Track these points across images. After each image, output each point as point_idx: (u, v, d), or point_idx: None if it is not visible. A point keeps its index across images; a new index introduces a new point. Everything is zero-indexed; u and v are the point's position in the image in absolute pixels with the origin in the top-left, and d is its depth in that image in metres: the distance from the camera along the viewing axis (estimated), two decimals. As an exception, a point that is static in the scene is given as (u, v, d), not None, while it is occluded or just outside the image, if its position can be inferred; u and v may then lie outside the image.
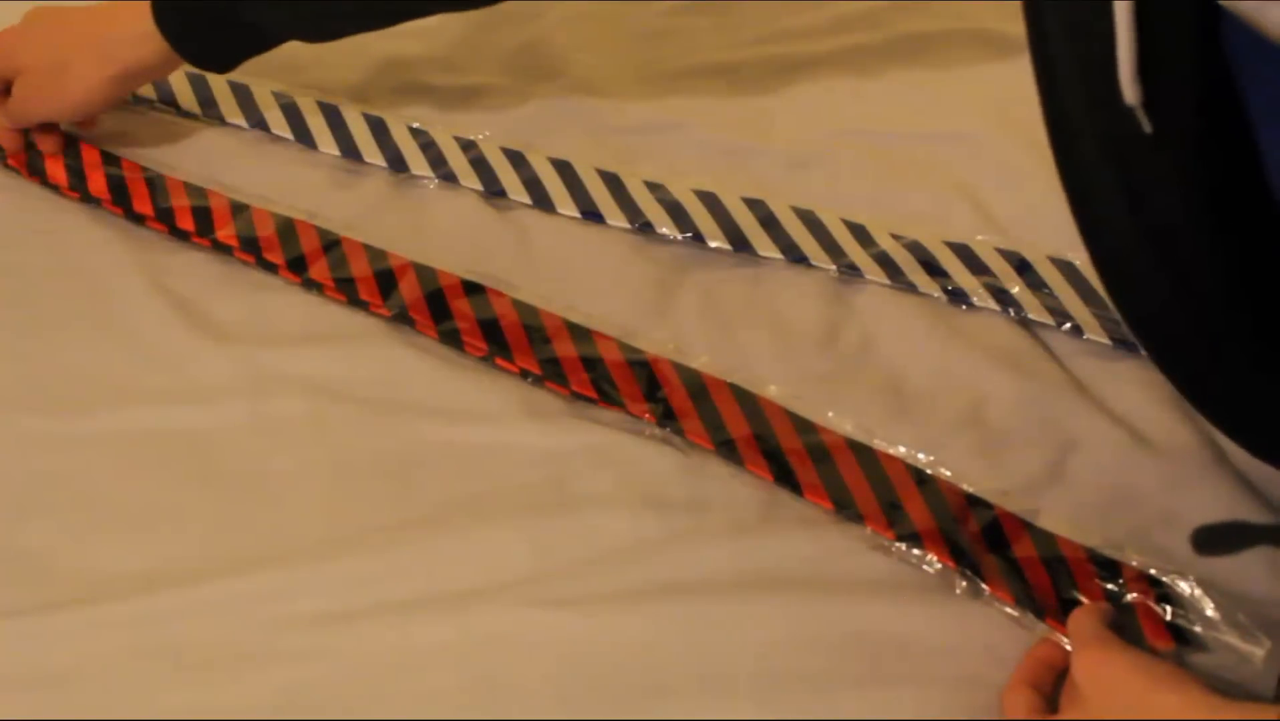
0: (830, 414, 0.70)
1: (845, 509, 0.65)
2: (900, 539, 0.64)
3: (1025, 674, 0.58)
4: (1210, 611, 0.61)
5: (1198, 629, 0.60)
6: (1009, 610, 0.61)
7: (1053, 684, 0.58)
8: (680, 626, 0.61)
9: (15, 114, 0.85)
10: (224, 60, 0.84)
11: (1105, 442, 0.68)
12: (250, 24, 0.82)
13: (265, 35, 0.83)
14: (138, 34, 0.81)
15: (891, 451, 0.68)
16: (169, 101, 0.93)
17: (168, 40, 0.81)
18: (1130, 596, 0.61)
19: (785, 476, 0.67)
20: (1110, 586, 0.62)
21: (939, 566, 0.63)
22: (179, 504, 0.67)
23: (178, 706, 0.59)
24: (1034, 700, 0.57)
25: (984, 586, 0.62)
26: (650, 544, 0.64)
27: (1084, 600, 0.61)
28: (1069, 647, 0.59)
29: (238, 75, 0.94)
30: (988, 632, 0.61)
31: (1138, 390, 0.71)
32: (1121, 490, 0.66)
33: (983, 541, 0.63)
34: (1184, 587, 0.62)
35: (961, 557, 0.63)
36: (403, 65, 0.97)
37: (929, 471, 0.67)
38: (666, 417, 0.70)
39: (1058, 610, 0.61)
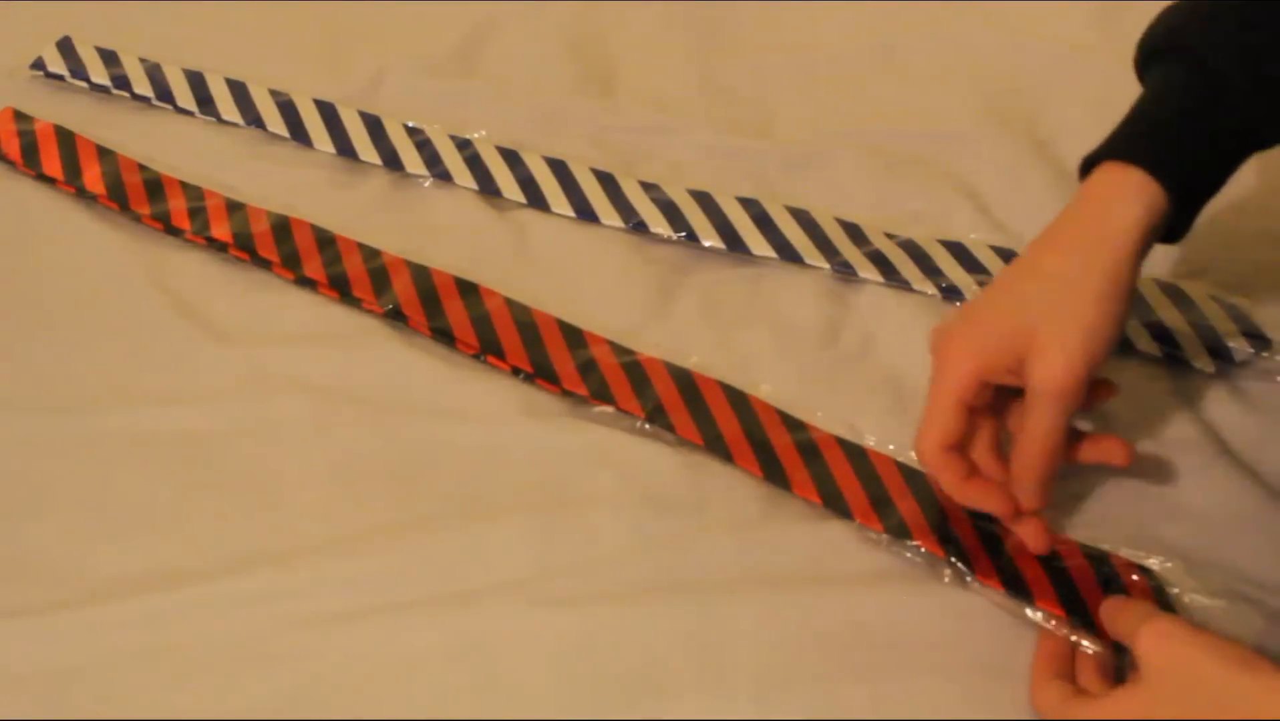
0: (819, 414, 0.70)
1: (834, 503, 0.66)
2: (888, 531, 0.64)
3: (1046, 668, 0.58)
4: (1201, 597, 0.61)
5: (1190, 615, 0.60)
6: (1000, 597, 0.62)
7: (1073, 672, 0.58)
8: (680, 625, 0.61)
9: None
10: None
11: (1106, 436, 0.68)
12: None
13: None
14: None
15: (880, 449, 0.68)
16: (166, 99, 0.93)
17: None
18: (1121, 579, 0.61)
19: (775, 472, 0.67)
20: (1102, 571, 0.62)
21: (925, 554, 0.63)
22: (179, 504, 0.67)
23: (178, 706, 0.59)
24: (1065, 690, 0.56)
25: (972, 575, 0.62)
26: (650, 542, 0.64)
27: (1078, 583, 0.61)
28: (1072, 637, 0.59)
29: (235, 74, 0.95)
30: (986, 620, 0.61)
31: (1138, 384, 0.71)
32: (1123, 482, 0.67)
33: (973, 532, 0.64)
34: (1174, 574, 0.62)
35: (950, 547, 0.63)
36: (402, 65, 0.97)
37: (918, 467, 0.67)
38: (657, 414, 0.70)
39: (1051, 594, 0.61)
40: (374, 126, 0.90)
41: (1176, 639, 0.53)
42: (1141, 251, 0.60)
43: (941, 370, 0.62)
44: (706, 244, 0.81)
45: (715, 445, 0.68)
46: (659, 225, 0.82)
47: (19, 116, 0.91)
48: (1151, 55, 0.65)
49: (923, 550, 0.63)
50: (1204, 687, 0.51)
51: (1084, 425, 0.68)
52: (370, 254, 0.80)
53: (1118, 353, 0.73)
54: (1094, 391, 0.63)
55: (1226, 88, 0.61)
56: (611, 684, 0.59)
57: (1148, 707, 0.52)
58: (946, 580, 0.62)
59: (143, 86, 0.94)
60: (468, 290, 0.77)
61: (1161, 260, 0.77)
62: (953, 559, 0.63)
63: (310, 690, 0.59)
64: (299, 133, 0.90)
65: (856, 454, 0.68)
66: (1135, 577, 0.62)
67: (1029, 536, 0.63)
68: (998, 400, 0.63)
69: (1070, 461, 0.64)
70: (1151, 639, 0.54)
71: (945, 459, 0.62)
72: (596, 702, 0.58)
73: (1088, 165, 0.63)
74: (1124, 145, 0.62)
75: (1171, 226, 0.62)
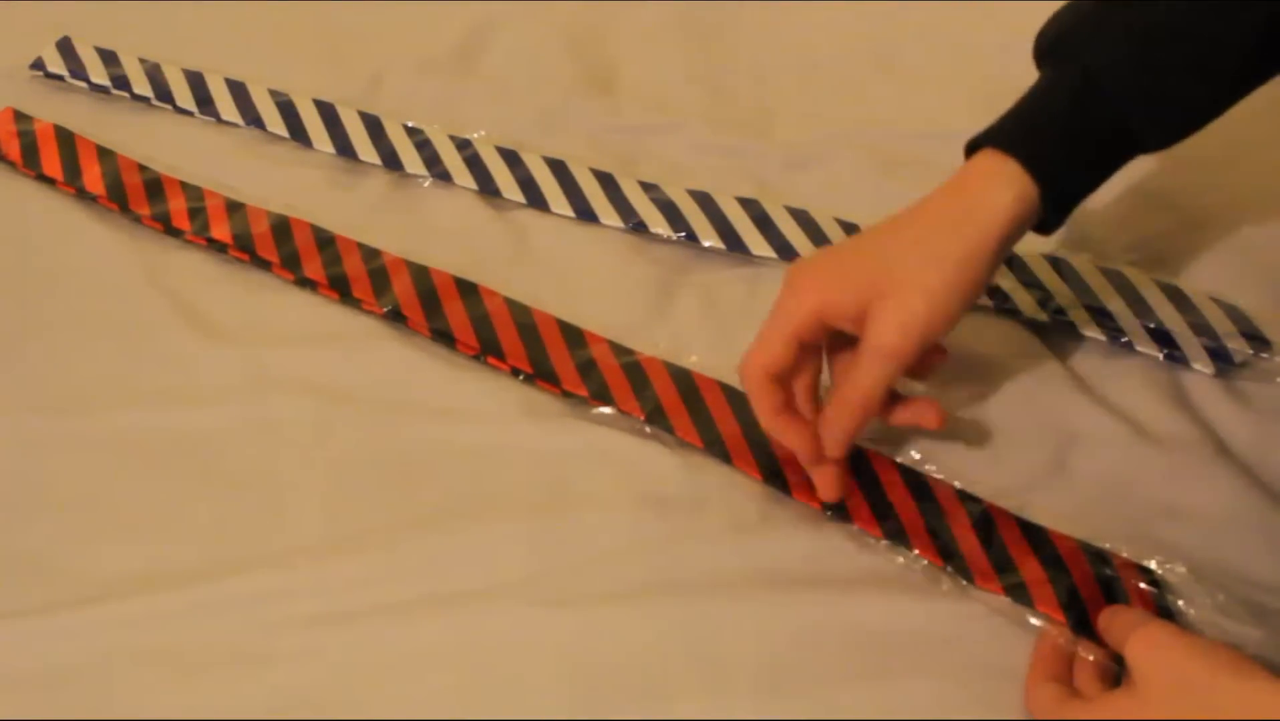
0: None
1: (833, 508, 0.66)
2: (887, 536, 0.64)
3: (1042, 669, 0.58)
4: (1202, 598, 0.61)
5: (1190, 614, 0.61)
6: (1001, 602, 0.62)
7: (1070, 674, 0.58)
8: (680, 626, 0.61)
9: None
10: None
11: (1106, 437, 0.68)
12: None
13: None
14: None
15: (880, 451, 0.68)
16: (166, 99, 0.93)
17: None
18: (1122, 582, 0.62)
19: (774, 475, 0.67)
20: (1103, 574, 0.62)
21: (925, 564, 0.63)
22: (179, 504, 0.67)
23: (177, 706, 0.59)
24: (1059, 692, 0.56)
25: (972, 581, 0.62)
26: (650, 543, 0.64)
27: (1080, 588, 0.61)
28: (1073, 641, 0.59)
29: (235, 74, 0.95)
30: (986, 623, 0.61)
31: (1137, 385, 0.71)
32: (1123, 484, 0.67)
33: (973, 535, 0.64)
34: (1175, 575, 0.62)
35: (949, 555, 0.63)
36: (402, 65, 0.97)
37: (918, 469, 0.67)
38: (656, 415, 0.70)
39: (1052, 599, 0.61)
40: (374, 126, 0.90)
41: (1166, 645, 0.54)
42: (1006, 239, 0.62)
43: (785, 299, 0.64)
44: (706, 244, 0.81)
45: (714, 447, 0.68)
46: (659, 225, 0.82)
47: (19, 117, 0.91)
48: (1043, 54, 0.66)
49: (922, 559, 0.63)
50: (1193, 692, 0.52)
51: (918, 388, 0.70)
52: (370, 254, 0.80)
53: (1118, 354, 0.73)
54: (926, 356, 0.65)
55: (1107, 94, 0.62)
56: (611, 684, 0.59)
57: (1137, 711, 0.53)
58: (946, 584, 0.62)
59: (142, 86, 0.94)
60: (467, 290, 0.77)
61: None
62: (951, 566, 0.63)
63: (310, 690, 0.59)
64: (299, 133, 0.90)
65: (856, 457, 0.68)
66: (1136, 580, 0.62)
67: (822, 482, 0.65)
68: (830, 344, 0.65)
69: (884, 422, 0.66)
70: (1141, 645, 0.54)
71: (766, 385, 0.64)
72: (596, 703, 0.58)
73: (971, 148, 0.65)
74: (1004, 135, 0.64)
75: (1044, 219, 0.64)
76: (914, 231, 0.63)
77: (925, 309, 0.61)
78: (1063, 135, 0.63)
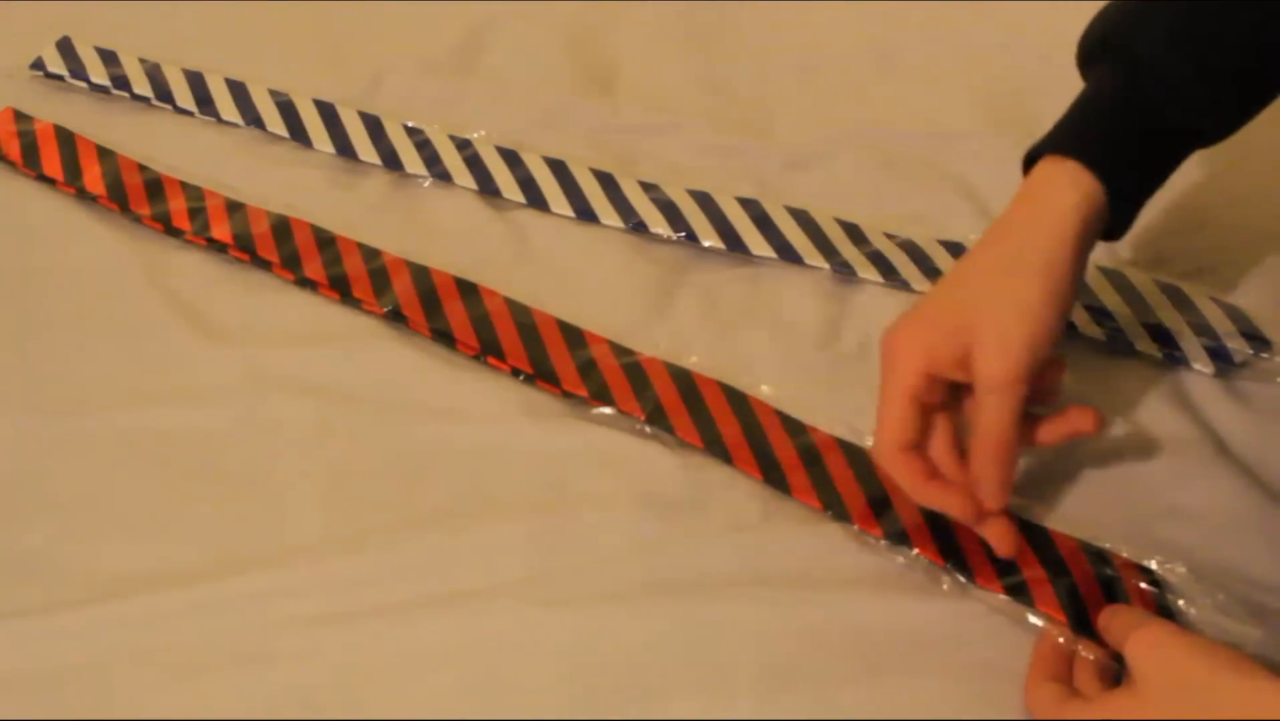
0: (820, 416, 0.70)
1: (833, 508, 0.66)
2: (887, 536, 0.64)
3: (1041, 669, 0.58)
4: (1202, 598, 0.61)
5: (1190, 614, 0.61)
6: (1001, 601, 0.62)
7: (1070, 674, 0.58)
8: (680, 626, 0.61)
9: None
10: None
11: (1106, 437, 0.68)
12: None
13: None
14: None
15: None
16: (166, 99, 0.93)
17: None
18: (1123, 582, 0.61)
19: (774, 476, 0.67)
20: (1103, 574, 0.62)
21: (926, 563, 0.63)
22: (179, 504, 0.68)
23: (177, 706, 0.59)
24: (1059, 692, 0.56)
25: (972, 581, 0.62)
26: (650, 543, 0.64)
27: (1080, 587, 0.61)
28: (1073, 641, 0.59)
29: (235, 74, 0.95)
30: (986, 623, 0.61)
31: (1138, 385, 0.71)
32: (1123, 484, 0.67)
33: (973, 534, 0.64)
34: (1175, 575, 0.62)
35: (949, 555, 0.63)
36: (402, 65, 0.97)
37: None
38: (657, 415, 0.70)
39: (1052, 598, 0.61)
40: (374, 126, 0.90)
41: (1166, 645, 0.54)
42: (1081, 240, 0.60)
43: (890, 369, 0.62)
44: (706, 244, 0.81)
45: (715, 447, 0.68)
46: (659, 225, 0.82)
47: (19, 117, 0.92)
48: (1089, 55, 0.65)
49: (922, 558, 0.63)
50: (1193, 691, 0.52)
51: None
52: (370, 254, 0.80)
53: (1118, 354, 0.73)
54: (1045, 373, 0.63)
55: (1160, 86, 0.62)
56: (611, 684, 0.59)
57: (1137, 710, 0.53)
58: (946, 585, 0.62)
59: (142, 86, 0.94)
60: (468, 290, 0.77)
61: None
62: (952, 565, 0.63)
63: (310, 690, 0.59)
64: (299, 133, 0.90)
65: (857, 457, 0.68)
66: (1136, 580, 0.62)
67: (995, 538, 0.62)
68: (955, 396, 0.63)
69: (1039, 444, 0.64)
70: (1141, 645, 0.54)
71: (903, 459, 0.62)
72: (596, 702, 0.58)
73: (1029, 160, 0.64)
74: (1060, 139, 0.63)
75: (1112, 223, 0.63)
76: (990, 257, 0.62)
77: (1022, 330, 0.59)
78: (1118, 132, 0.62)
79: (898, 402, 0.61)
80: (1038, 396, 0.62)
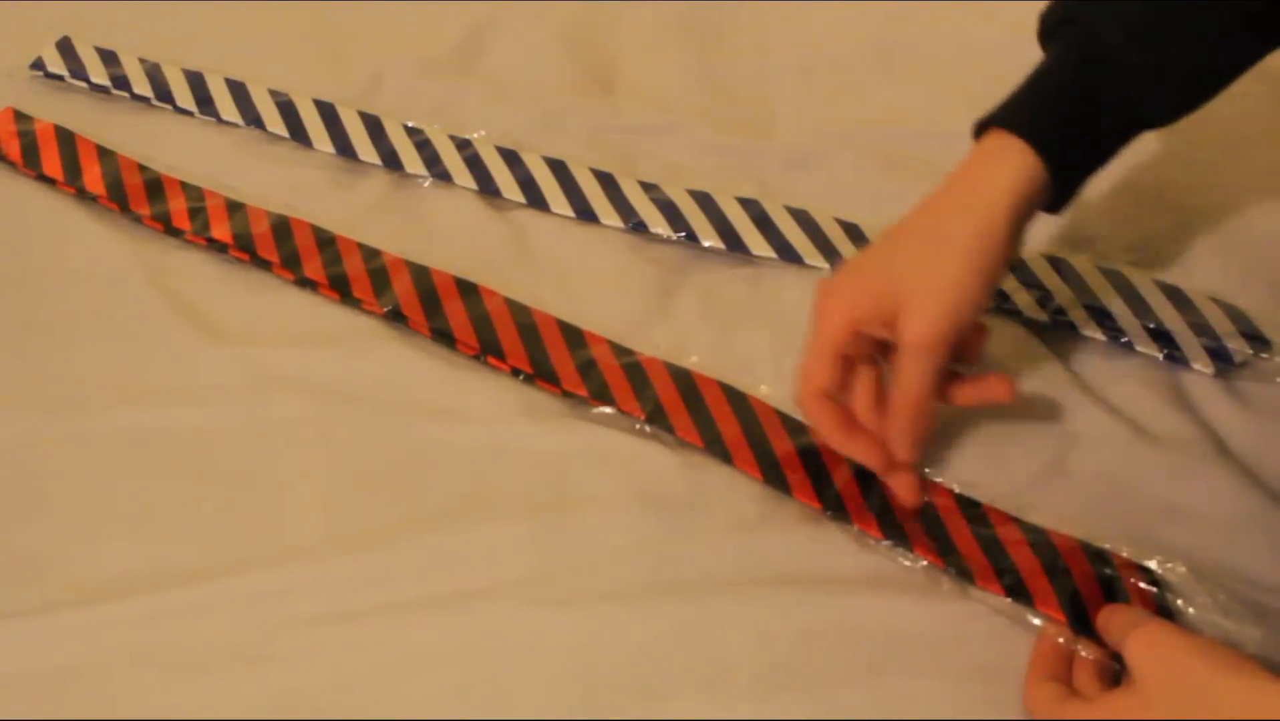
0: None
1: (833, 508, 0.66)
2: (887, 536, 0.64)
3: (1040, 668, 0.58)
4: (1202, 598, 0.61)
5: (1190, 614, 0.61)
6: (1001, 602, 0.62)
7: (1069, 674, 0.58)
8: (680, 626, 0.61)
9: None
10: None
11: (1106, 437, 0.68)
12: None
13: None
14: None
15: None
16: (166, 99, 0.93)
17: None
18: (1122, 581, 0.61)
19: (774, 476, 0.67)
20: (1103, 573, 0.62)
21: (925, 564, 0.63)
22: (179, 504, 0.67)
23: (177, 706, 0.59)
24: (1059, 691, 0.56)
25: (972, 583, 0.62)
26: (650, 543, 0.64)
27: (1079, 587, 0.61)
28: (1073, 641, 0.59)
29: (235, 74, 0.95)
30: (986, 623, 0.61)
31: (1137, 386, 0.71)
32: (1123, 484, 0.67)
33: (973, 535, 0.64)
34: (1175, 575, 0.62)
35: (949, 555, 0.63)
36: (402, 65, 0.97)
37: (918, 472, 0.67)
38: (656, 415, 0.70)
39: (1052, 598, 0.61)
40: (374, 126, 0.90)
41: (1164, 644, 0.54)
42: (1016, 216, 0.62)
43: (818, 320, 0.64)
44: (706, 244, 0.81)
45: (715, 447, 0.68)
46: (659, 225, 0.82)
47: (19, 116, 0.92)
48: (1049, 29, 0.66)
49: (922, 559, 0.63)
50: (1192, 691, 0.52)
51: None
52: (370, 254, 0.80)
53: (1118, 353, 0.73)
54: (969, 339, 0.65)
55: (1114, 65, 0.63)
56: (611, 684, 0.59)
57: (1137, 710, 0.53)
58: (946, 585, 0.62)
59: (142, 86, 0.94)
60: (467, 290, 0.77)
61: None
62: (951, 566, 0.63)
63: (310, 690, 0.59)
64: (299, 133, 0.90)
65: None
66: (1136, 580, 0.62)
67: (900, 488, 0.65)
68: (884, 350, 0.65)
69: (954, 404, 0.66)
70: (1140, 645, 0.54)
71: (822, 406, 0.65)
72: (596, 702, 0.58)
73: (978, 130, 0.65)
74: (1007, 113, 0.64)
75: (1053, 199, 0.64)
76: (925, 223, 0.64)
77: (946, 297, 0.61)
78: (1066, 111, 0.63)
79: (822, 353, 0.64)
80: (961, 357, 0.66)
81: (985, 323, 0.66)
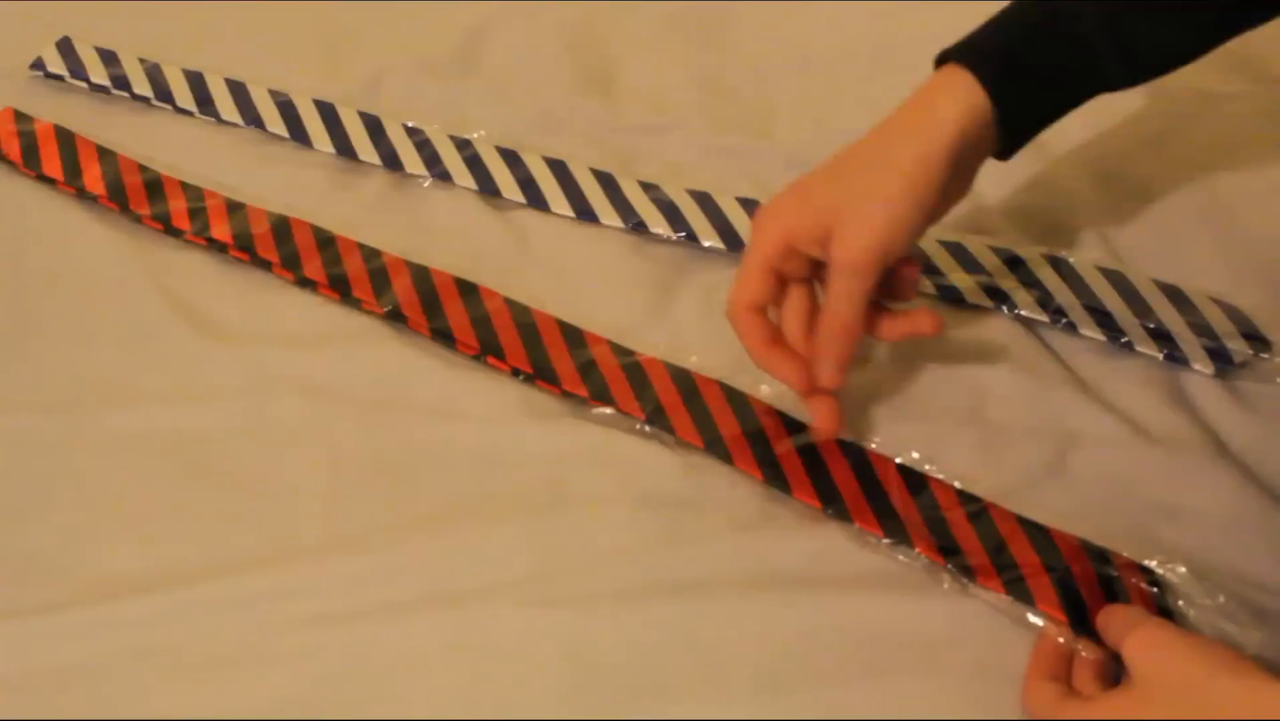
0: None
1: (833, 507, 0.66)
2: (888, 535, 0.64)
3: (1040, 668, 0.58)
4: (1202, 598, 0.61)
5: (1191, 614, 0.61)
6: (1001, 600, 0.62)
7: (1069, 674, 0.58)
8: (680, 626, 0.61)
9: None
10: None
11: (1106, 437, 0.68)
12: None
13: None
14: None
15: (882, 452, 0.68)
16: (166, 99, 0.93)
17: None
18: (1123, 581, 0.61)
19: (775, 475, 0.67)
20: (1104, 572, 0.62)
21: (926, 562, 0.63)
22: (179, 504, 0.67)
23: (177, 706, 0.59)
24: (1058, 691, 0.56)
25: (973, 581, 0.62)
26: (650, 543, 0.64)
27: (1080, 586, 0.61)
28: (1071, 640, 0.59)
29: (235, 74, 0.95)
30: (986, 622, 0.61)
31: (1137, 386, 0.71)
32: (1123, 484, 0.67)
33: (974, 533, 0.64)
34: (1176, 575, 0.62)
35: (949, 554, 0.63)
36: (402, 65, 0.97)
37: (919, 469, 0.67)
38: (656, 415, 0.70)
39: (1053, 597, 0.61)
40: (374, 126, 0.90)
41: (1163, 645, 0.54)
42: (959, 147, 0.63)
43: (754, 235, 0.66)
44: (706, 244, 0.81)
45: (715, 447, 0.68)
46: (659, 225, 0.82)
47: (19, 116, 0.92)
48: None
49: (922, 557, 0.63)
50: (1190, 691, 0.52)
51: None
52: (370, 254, 0.80)
53: (1118, 353, 0.73)
54: (901, 269, 0.66)
55: (1076, 24, 0.63)
56: (611, 684, 0.59)
57: (1135, 711, 0.53)
58: (946, 584, 0.62)
59: (142, 86, 0.94)
60: (468, 291, 0.77)
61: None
62: (952, 565, 0.63)
63: (310, 690, 0.59)
64: (299, 133, 0.90)
65: (857, 457, 0.68)
66: (1136, 580, 0.62)
67: (818, 413, 0.66)
68: (820, 278, 0.66)
69: (882, 337, 0.67)
70: (1138, 645, 0.54)
71: (750, 320, 0.66)
72: (596, 702, 0.58)
73: (938, 62, 0.66)
74: (965, 50, 0.65)
75: (1000, 143, 0.65)
76: (868, 149, 0.65)
77: (879, 219, 0.62)
78: (1022, 55, 0.64)
79: (755, 267, 0.65)
80: (894, 291, 0.66)
81: (917, 256, 0.66)
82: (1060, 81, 0.65)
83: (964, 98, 0.63)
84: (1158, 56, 0.65)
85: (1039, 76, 0.64)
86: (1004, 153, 0.66)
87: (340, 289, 0.78)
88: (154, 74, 0.95)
